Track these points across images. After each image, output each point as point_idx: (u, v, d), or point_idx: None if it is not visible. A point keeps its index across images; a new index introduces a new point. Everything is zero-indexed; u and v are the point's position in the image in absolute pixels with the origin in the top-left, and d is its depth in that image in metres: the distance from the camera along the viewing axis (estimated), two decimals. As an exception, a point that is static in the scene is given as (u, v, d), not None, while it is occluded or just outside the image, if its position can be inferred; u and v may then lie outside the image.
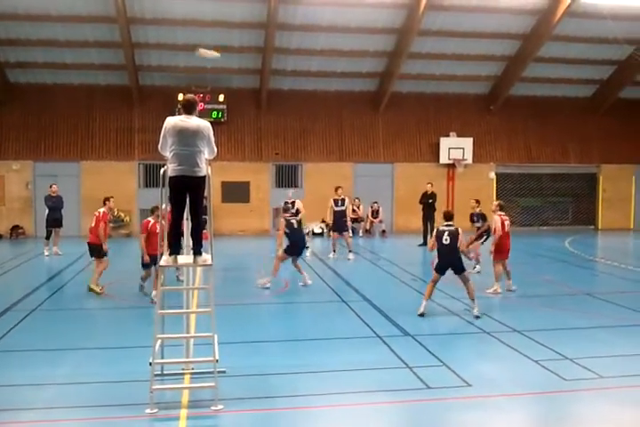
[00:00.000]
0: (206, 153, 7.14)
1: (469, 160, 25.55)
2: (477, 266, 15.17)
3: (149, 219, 11.97)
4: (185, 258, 7.29)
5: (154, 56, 22.92)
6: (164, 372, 7.37)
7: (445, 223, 10.93)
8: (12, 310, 11.20)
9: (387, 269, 16.06)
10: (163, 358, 7.28)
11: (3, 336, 9.36)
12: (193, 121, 7.06)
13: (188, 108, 7.17)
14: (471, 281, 10.92)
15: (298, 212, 15.81)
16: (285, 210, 14.20)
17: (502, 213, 12.96)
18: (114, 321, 10.51)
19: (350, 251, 17.83)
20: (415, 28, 21.55)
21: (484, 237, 15.25)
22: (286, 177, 25.32)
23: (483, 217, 15.43)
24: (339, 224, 17.99)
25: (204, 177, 7.04)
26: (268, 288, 13.10)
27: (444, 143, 25.45)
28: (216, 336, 6.85)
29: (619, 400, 6.90)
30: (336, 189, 18.93)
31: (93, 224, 12.75)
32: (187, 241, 7.46)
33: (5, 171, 23.37)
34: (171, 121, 7.07)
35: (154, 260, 10.76)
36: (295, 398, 6.87)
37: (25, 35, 21.32)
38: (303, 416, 6.57)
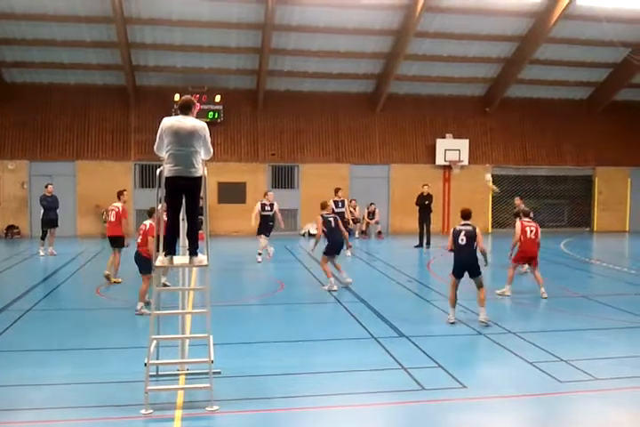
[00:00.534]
0: (202, 153, 7.13)
1: (465, 162, 25.59)
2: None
3: (151, 222, 11.08)
4: (181, 259, 7.28)
5: (150, 56, 22.90)
6: (159, 373, 7.35)
7: (462, 222, 10.52)
8: (7, 310, 11.16)
9: (382, 270, 16.07)
10: (158, 358, 7.27)
11: (-3, 336, 9.33)
12: (189, 121, 7.05)
13: (185, 109, 7.16)
14: (484, 287, 10.44)
15: (326, 206, 14.27)
16: (324, 207, 13.89)
17: (526, 220, 13.01)
18: (109, 322, 10.48)
19: (349, 247, 17.83)
20: (412, 29, 21.58)
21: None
22: (283, 178, 25.31)
23: (528, 213, 15.94)
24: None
25: (201, 177, 7.03)
26: (335, 290, 12.99)
27: (441, 145, 25.48)
28: (211, 337, 6.84)
29: (614, 402, 6.91)
30: (336, 190, 19.04)
31: (113, 219, 13.71)
32: (182, 242, 7.44)
33: (1, 170, 23.32)
34: (167, 121, 7.06)
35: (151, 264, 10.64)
36: (291, 400, 6.86)
37: (21, 34, 21.28)
38: (299, 417, 6.56)
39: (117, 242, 13.67)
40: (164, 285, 12.02)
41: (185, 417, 6.40)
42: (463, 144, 25.54)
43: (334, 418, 6.53)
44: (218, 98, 23.86)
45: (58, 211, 18.78)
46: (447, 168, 25.86)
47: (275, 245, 15.87)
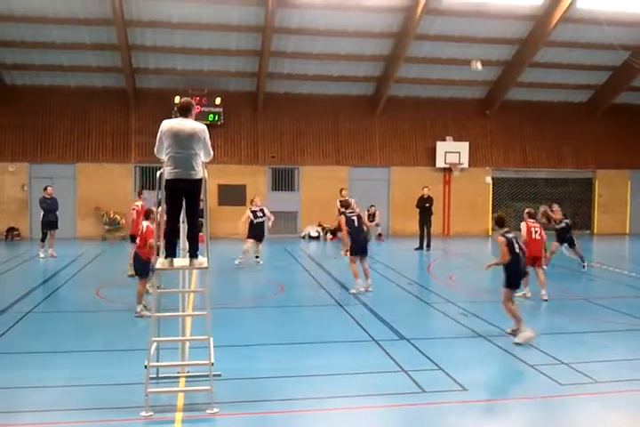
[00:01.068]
0: (202, 156, 7.13)
1: (465, 164, 25.60)
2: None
3: (148, 224, 11.17)
4: (181, 261, 7.28)
5: (151, 59, 22.92)
6: (160, 375, 7.33)
7: (504, 230, 9.71)
8: (7, 312, 11.15)
9: (383, 272, 16.06)
10: (158, 361, 7.25)
11: (-3, 339, 9.33)
12: (188, 124, 7.05)
13: (184, 111, 7.16)
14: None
15: (348, 204, 14.07)
16: (346, 206, 13.68)
17: (532, 221, 12.95)
18: (109, 324, 10.47)
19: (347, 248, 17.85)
20: (412, 32, 21.60)
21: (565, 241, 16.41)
22: (283, 180, 25.32)
23: (564, 216, 16.73)
24: None
25: (201, 180, 7.03)
26: (367, 291, 13.03)
27: (441, 147, 25.50)
28: (212, 339, 6.84)
29: (614, 405, 6.90)
30: (340, 190, 19.22)
31: (135, 217, 13.94)
32: (183, 244, 7.44)
33: (1, 173, 23.32)
34: (166, 124, 7.06)
35: (149, 267, 10.65)
36: (291, 402, 6.85)
37: (22, 37, 21.30)
38: (298, 420, 6.55)
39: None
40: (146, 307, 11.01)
41: (185, 419, 6.39)
42: (463, 147, 25.55)
43: (334, 421, 6.52)
44: (218, 100, 23.88)
45: (58, 213, 18.77)
46: (447, 171, 25.87)
47: (274, 248, 15.82)
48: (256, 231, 16.75)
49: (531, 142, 26.53)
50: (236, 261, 16.59)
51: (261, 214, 16.70)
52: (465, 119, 26.11)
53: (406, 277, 15.20)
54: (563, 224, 16.58)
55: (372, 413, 6.69)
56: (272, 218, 17.14)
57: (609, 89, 26.01)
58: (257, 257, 16.99)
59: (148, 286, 11.09)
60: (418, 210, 21.60)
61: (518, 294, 12.57)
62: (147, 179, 23.91)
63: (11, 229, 23.18)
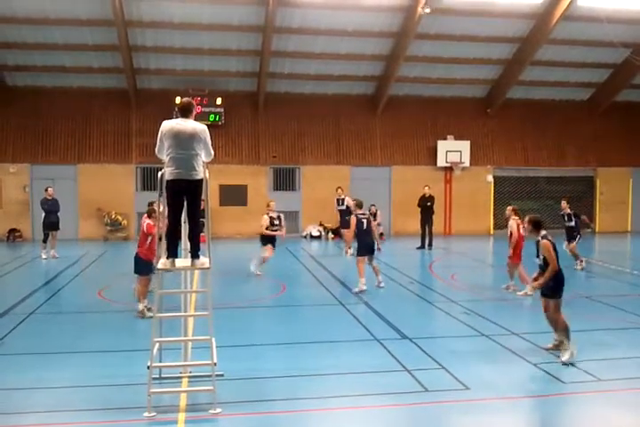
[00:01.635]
0: (203, 156, 7.13)
1: (467, 163, 25.59)
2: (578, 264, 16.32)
3: (149, 221, 11.07)
4: (182, 261, 7.28)
5: (151, 59, 22.92)
6: (162, 375, 7.34)
7: (544, 233, 8.82)
8: (10, 313, 11.17)
9: (384, 272, 16.03)
10: (160, 361, 7.27)
11: (0, 340, 9.33)
12: (189, 124, 7.06)
13: (185, 112, 7.18)
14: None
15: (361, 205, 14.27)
16: (360, 206, 13.71)
17: (517, 218, 13.12)
18: (111, 324, 10.47)
19: (350, 247, 17.90)
20: (412, 31, 21.58)
21: (579, 236, 16.51)
22: (284, 180, 25.32)
23: (576, 215, 16.73)
24: (342, 223, 18.17)
25: (202, 180, 7.04)
26: (364, 291, 13.03)
27: (442, 146, 25.48)
28: (214, 340, 6.84)
29: (618, 403, 6.89)
30: (336, 189, 19.21)
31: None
32: (184, 244, 7.45)
33: (2, 174, 23.32)
34: (167, 124, 7.07)
35: (151, 266, 10.67)
36: (293, 402, 6.85)
37: (23, 38, 21.30)
38: (301, 420, 6.55)
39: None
40: (149, 309, 10.85)
41: (188, 420, 6.40)
42: (464, 146, 25.53)
43: (337, 420, 6.52)
44: (219, 100, 23.87)
45: (59, 214, 18.80)
46: (449, 170, 25.85)
47: (276, 247, 15.72)
48: (273, 237, 15.42)
49: (532, 141, 26.50)
50: (255, 271, 15.11)
51: (278, 222, 15.44)
52: (466, 118, 26.08)
53: (408, 277, 15.20)
54: (572, 222, 16.75)
55: (375, 412, 6.69)
56: (284, 230, 15.96)
57: (610, 87, 25.98)
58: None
59: (151, 287, 11.09)
60: (419, 209, 21.60)
61: (520, 293, 12.70)
62: (148, 179, 23.91)
63: (12, 231, 23.20)
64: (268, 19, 20.58)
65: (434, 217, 21.82)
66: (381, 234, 24.38)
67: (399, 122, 25.65)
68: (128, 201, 23.76)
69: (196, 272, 10.21)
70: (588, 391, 7.23)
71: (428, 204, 21.52)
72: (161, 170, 7.10)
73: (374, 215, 24.41)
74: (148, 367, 6.65)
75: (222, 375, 7.08)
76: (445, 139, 25.67)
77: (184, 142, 6.96)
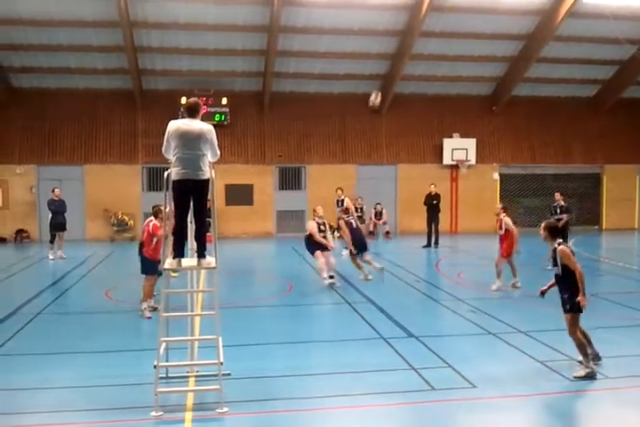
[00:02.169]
0: (209, 156, 7.15)
1: (473, 161, 25.55)
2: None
3: (155, 222, 11.09)
4: (189, 261, 7.30)
5: (157, 60, 22.96)
6: (169, 375, 7.37)
7: (560, 240, 8.21)
8: (17, 313, 11.23)
9: (391, 270, 16.04)
10: (167, 360, 7.29)
11: (8, 340, 9.39)
12: (196, 124, 7.07)
13: (191, 112, 7.19)
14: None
15: (347, 209, 14.91)
16: (347, 211, 14.56)
17: (504, 214, 13.39)
18: (118, 324, 10.51)
19: (346, 248, 17.88)
20: (417, 29, 21.56)
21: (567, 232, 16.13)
22: (290, 179, 25.34)
23: (567, 210, 16.56)
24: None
25: (208, 180, 7.05)
26: (371, 280, 13.82)
27: (448, 144, 25.44)
28: (220, 339, 6.86)
29: (625, 401, 6.88)
30: (336, 190, 19.11)
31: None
32: (191, 244, 7.47)
33: (9, 175, 23.42)
34: (173, 124, 7.09)
35: (157, 266, 10.71)
36: (300, 401, 6.87)
37: (28, 40, 21.37)
38: (308, 419, 6.56)
39: None
40: (155, 308, 10.97)
41: (195, 419, 6.42)
42: (470, 143, 25.48)
43: (343, 419, 6.53)
44: (224, 100, 23.90)
45: (66, 215, 18.86)
46: (454, 168, 25.82)
47: (282, 247, 15.63)
48: (319, 244, 14.30)
49: (538, 138, 26.43)
50: (326, 281, 13.78)
51: (324, 228, 14.33)
52: (472, 116, 26.03)
53: (414, 275, 15.19)
54: (563, 216, 16.63)
55: (381, 411, 6.69)
56: (332, 240, 14.75)
57: (616, 83, 25.87)
58: (332, 277, 13.96)
59: (156, 290, 11.12)
60: (425, 207, 21.60)
61: (493, 286, 13.00)
62: (154, 179, 23.97)
63: (20, 232, 23.30)
64: (273, 18, 20.59)
65: (440, 215, 21.83)
66: (387, 232, 24.41)
67: (405, 120, 25.62)
68: (134, 201, 23.82)
69: (203, 272, 10.23)
70: (595, 389, 7.22)
71: (434, 202, 21.53)
72: (167, 170, 7.12)
73: (380, 214, 24.50)
74: (155, 367, 6.67)
75: (229, 375, 7.10)
76: (451, 137, 25.63)
77: (190, 143, 6.97)
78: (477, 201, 25.74)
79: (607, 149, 26.64)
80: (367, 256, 14.24)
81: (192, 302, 7.66)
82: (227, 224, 23.32)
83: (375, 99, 21.13)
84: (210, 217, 7.59)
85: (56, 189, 19.05)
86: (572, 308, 7.81)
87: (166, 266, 7.11)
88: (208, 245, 7.23)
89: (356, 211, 23.64)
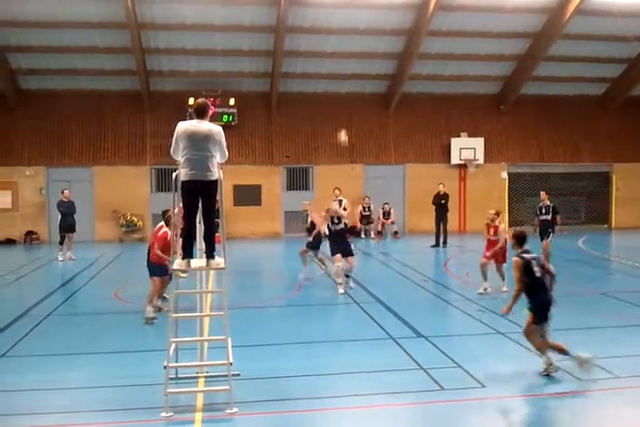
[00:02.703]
0: (218, 157, 7.17)
1: (481, 160, 25.49)
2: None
3: (166, 229, 10.87)
4: (198, 262, 7.32)
5: (164, 61, 23.02)
6: (179, 375, 7.39)
7: (523, 249, 8.09)
8: (27, 315, 11.28)
9: (399, 270, 16.04)
10: (177, 361, 7.31)
11: (18, 341, 9.44)
12: (204, 125, 7.09)
13: (200, 113, 7.21)
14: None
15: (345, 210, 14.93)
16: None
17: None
18: (127, 325, 10.54)
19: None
20: (424, 28, 21.53)
21: (552, 233, 15.32)
22: (297, 180, 25.34)
23: (554, 210, 15.44)
24: None
25: (216, 181, 7.08)
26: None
27: (456, 144, 25.39)
28: (229, 339, 6.88)
29: (636, 400, 6.85)
30: (333, 189, 19.06)
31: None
32: (199, 245, 7.48)
33: (19, 177, 23.54)
34: (182, 126, 7.11)
35: (165, 268, 10.72)
36: (309, 401, 6.87)
37: (36, 41, 21.47)
38: (317, 419, 6.57)
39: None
40: (159, 309, 11.09)
41: (205, 420, 6.44)
42: (478, 142, 25.43)
43: (353, 419, 6.54)
44: (232, 101, 23.93)
45: (75, 216, 18.93)
46: (463, 167, 25.76)
47: (289, 247, 15.55)
48: (339, 243, 13.37)
49: (546, 137, 26.33)
50: (340, 290, 12.98)
51: (337, 220, 13.57)
52: (479, 115, 25.96)
53: (423, 275, 15.17)
54: (549, 216, 15.64)
55: (391, 411, 6.69)
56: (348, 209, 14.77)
57: (624, 81, 25.74)
58: (347, 276, 13.32)
59: (166, 294, 11.14)
60: (434, 207, 21.57)
61: (479, 290, 12.52)
62: (163, 180, 24.03)
63: (29, 233, 23.40)
64: (280, 19, 20.61)
65: (448, 215, 21.80)
66: (395, 232, 24.38)
67: (412, 120, 25.59)
68: (143, 202, 23.90)
69: (212, 272, 10.24)
70: (605, 389, 7.18)
71: (443, 201, 21.50)
72: (176, 171, 7.14)
73: (388, 214, 24.48)
74: (165, 367, 6.70)
75: (238, 375, 7.11)
76: (459, 136, 25.58)
77: (199, 144, 6.99)
78: (486, 200, 25.60)
79: (616, 147, 26.51)
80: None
81: (201, 302, 7.67)
82: (235, 225, 23.34)
83: (344, 137, 20.48)
84: (218, 218, 7.61)
85: (65, 191, 19.12)
86: (533, 319, 7.77)
87: (175, 267, 7.14)
88: (217, 245, 7.25)
89: (364, 210, 23.99)
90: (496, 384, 7.26)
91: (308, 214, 14.97)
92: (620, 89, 26.05)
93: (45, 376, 7.76)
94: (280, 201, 24.92)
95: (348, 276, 13.25)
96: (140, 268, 13.79)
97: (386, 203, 24.51)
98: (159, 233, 10.95)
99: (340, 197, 18.30)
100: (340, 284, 12.99)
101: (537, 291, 7.73)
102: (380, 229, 24.46)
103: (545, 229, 15.38)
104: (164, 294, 11.57)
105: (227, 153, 7.31)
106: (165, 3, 20.34)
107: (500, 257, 12.82)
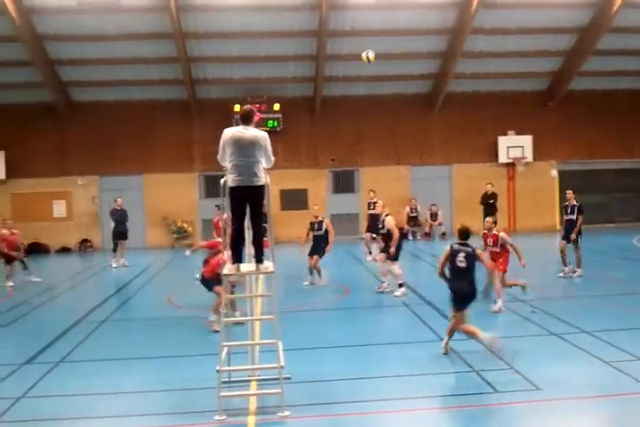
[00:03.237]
0: (264, 162, 7.24)
1: (529, 158, 25.07)
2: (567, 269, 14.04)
3: (220, 257, 10.34)
4: (247, 266, 7.40)
5: (209, 69, 23.36)
6: (231, 379, 7.47)
7: (459, 242, 9.25)
8: (84, 321, 11.57)
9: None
10: (229, 365, 7.39)
11: (75, 347, 9.69)
12: (250, 132, 7.17)
13: (246, 119, 7.30)
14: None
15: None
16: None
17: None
18: (180, 330, 10.70)
19: (370, 252, 17.79)
20: (468, 26, 21.33)
21: (579, 234, 14.21)
22: (343, 183, 25.37)
23: (579, 209, 14.26)
24: (370, 226, 17.76)
25: (263, 186, 7.15)
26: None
27: (503, 142, 25.05)
28: (280, 343, 6.92)
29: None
30: (369, 191, 19.01)
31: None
32: (248, 249, 7.56)
33: (72, 187, 24.21)
34: (228, 132, 7.21)
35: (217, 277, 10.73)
36: (361, 404, 6.87)
37: (85, 54, 22.05)
38: (369, 422, 6.56)
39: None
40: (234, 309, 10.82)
41: (258, 423, 6.50)
42: (526, 140, 25.02)
43: (404, 422, 6.50)
44: (277, 106, 24.11)
45: (127, 223, 19.34)
46: (511, 166, 25.38)
47: (337, 250, 15.35)
48: (368, 224, 13.73)
49: (597, 133, 25.69)
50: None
51: (373, 207, 13.66)
52: (527, 112, 25.50)
53: (473, 276, 14.94)
54: (574, 216, 14.43)
55: (443, 414, 6.64)
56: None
57: (677, 74, 25.00)
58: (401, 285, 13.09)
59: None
60: (482, 207, 21.29)
61: (494, 308, 11.16)
62: (211, 187, 24.35)
63: (84, 241, 24.04)
64: (322, 23, 20.70)
65: (497, 215, 21.47)
66: (443, 234, 24.15)
67: (457, 119, 25.31)
68: (192, 209, 24.28)
69: (261, 277, 10.34)
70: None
71: (491, 201, 21.23)
72: (223, 177, 7.24)
73: (435, 215, 24.29)
74: (218, 371, 6.78)
75: (290, 378, 7.14)
76: (506, 134, 25.21)
77: (245, 150, 7.08)
78: (536, 199, 25.24)
79: (670, 141, 25.72)
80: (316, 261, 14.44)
81: (251, 306, 7.75)
82: (282, 229, 23.48)
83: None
84: (266, 222, 7.68)
85: (118, 199, 19.57)
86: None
87: (225, 272, 7.23)
88: (265, 250, 7.31)
89: (411, 212, 23.86)
90: (552, 386, 7.12)
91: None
92: (672, 81, 25.30)
93: (101, 381, 7.94)
94: (326, 204, 24.97)
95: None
96: (191, 273, 14.02)
97: (433, 204, 24.33)
98: (215, 259, 10.60)
99: (375, 199, 18.24)
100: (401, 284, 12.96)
101: (453, 278, 8.84)
102: (427, 230, 24.28)
103: (570, 230, 14.32)
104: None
105: (272, 158, 7.37)
106: (208, 12, 20.68)
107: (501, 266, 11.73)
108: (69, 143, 24.20)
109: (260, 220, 7.33)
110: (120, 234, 19.03)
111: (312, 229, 14.99)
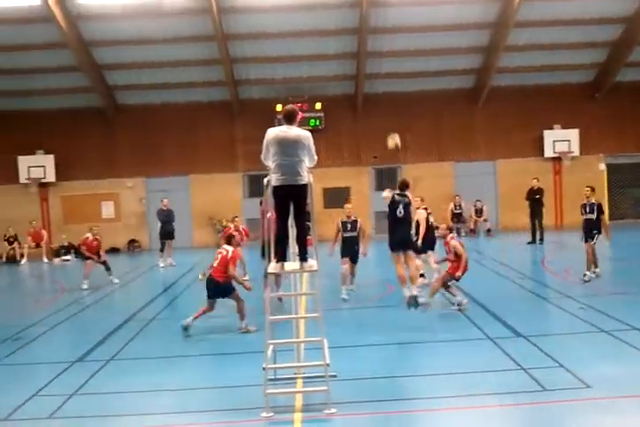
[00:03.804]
0: (307, 161, 7.28)
1: (576, 152, 24.55)
2: (589, 272, 13.29)
3: (234, 248, 10.93)
4: (291, 265, 7.45)
5: (251, 70, 23.54)
6: (277, 376, 7.53)
7: (398, 192, 10.59)
8: (133, 319, 11.82)
9: (493, 268, 15.69)
10: (275, 362, 7.46)
11: (125, 345, 9.92)
12: (293, 131, 7.22)
13: (289, 119, 7.34)
14: (418, 262, 11.13)
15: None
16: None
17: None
18: (226, 328, 10.80)
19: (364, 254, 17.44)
20: (511, 20, 21.00)
21: (597, 235, 13.31)
22: (386, 180, 25.26)
23: (599, 208, 13.59)
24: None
25: (307, 185, 7.19)
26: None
27: (549, 136, 24.58)
28: (325, 340, 6.95)
29: None
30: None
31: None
32: (292, 248, 7.61)
33: (120, 188, 24.72)
34: (271, 132, 7.27)
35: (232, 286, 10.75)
36: (407, 402, 6.86)
37: (131, 58, 22.48)
38: (416, 420, 6.55)
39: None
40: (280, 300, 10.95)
41: (304, 420, 6.54)
42: (573, 134, 24.51)
43: (452, 420, 6.47)
44: (318, 105, 24.15)
45: (174, 224, 19.65)
46: (557, 160, 24.90)
47: (380, 247, 15.13)
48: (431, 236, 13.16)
49: (646, 125, 25.02)
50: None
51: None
52: (573, 105, 24.95)
53: (520, 273, 14.78)
54: (594, 215, 13.56)
55: (491, 412, 6.58)
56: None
57: None
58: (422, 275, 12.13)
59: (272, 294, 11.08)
60: (528, 203, 20.96)
61: (454, 307, 11.10)
62: (255, 186, 24.53)
63: (132, 241, 24.54)
64: (362, 20, 20.65)
65: (544, 210, 21.12)
66: (489, 230, 23.86)
67: (501, 113, 24.93)
68: (236, 208, 24.48)
69: (305, 275, 10.38)
70: None
71: (537, 196, 20.86)
72: (267, 177, 7.31)
73: (480, 211, 24.01)
74: (264, 369, 6.84)
75: (335, 376, 7.16)
76: (552, 128, 24.74)
77: (288, 149, 7.13)
78: (583, 194, 24.65)
79: None
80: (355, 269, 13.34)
81: (296, 304, 7.80)
82: (326, 227, 23.48)
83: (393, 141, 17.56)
84: (309, 221, 7.72)
85: (165, 200, 19.91)
86: None
87: (270, 270, 7.30)
88: (309, 248, 7.35)
89: (455, 208, 23.67)
90: (602, 385, 6.97)
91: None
92: None
93: (149, 378, 8.10)
94: (369, 202, 24.91)
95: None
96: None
97: (478, 200, 24.05)
98: (230, 254, 10.67)
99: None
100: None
101: (391, 225, 10.19)
102: (472, 227, 24.03)
103: (589, 230, 13.43)
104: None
105: (315, 157, 7.40)
106: (249, 13, 20.85)
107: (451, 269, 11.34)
108: (117, 146, 24.70)
109: (303, 218, 7.37)
110: (167, 234, 19.35)
111: (344, 229, 13.85)
